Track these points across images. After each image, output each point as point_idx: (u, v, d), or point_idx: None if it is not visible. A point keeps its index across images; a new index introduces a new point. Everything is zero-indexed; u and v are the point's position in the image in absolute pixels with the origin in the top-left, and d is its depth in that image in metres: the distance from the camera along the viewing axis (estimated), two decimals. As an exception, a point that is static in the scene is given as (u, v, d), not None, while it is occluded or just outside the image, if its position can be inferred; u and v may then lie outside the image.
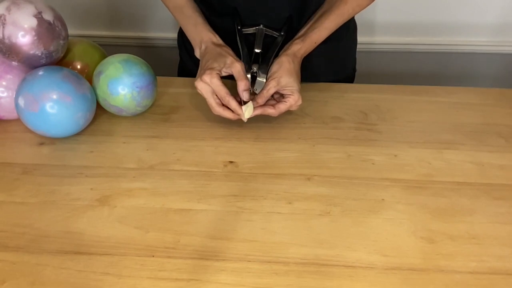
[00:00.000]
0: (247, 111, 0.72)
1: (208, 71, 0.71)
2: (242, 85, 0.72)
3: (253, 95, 0.75)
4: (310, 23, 0.80)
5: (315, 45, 0.79)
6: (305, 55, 0.78)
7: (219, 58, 0.74)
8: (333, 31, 0.80)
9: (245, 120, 0.73)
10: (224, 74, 0.73)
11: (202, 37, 0.79)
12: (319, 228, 0.62)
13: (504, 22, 1.44)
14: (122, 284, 0.54)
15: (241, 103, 0.73)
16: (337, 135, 0.78)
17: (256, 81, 0.75)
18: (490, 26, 1.44)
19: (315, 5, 0.82)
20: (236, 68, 0.72)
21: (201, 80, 0.71)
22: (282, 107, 0.73)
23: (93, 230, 0.61)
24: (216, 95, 0.72)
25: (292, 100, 0.73)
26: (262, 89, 0.74)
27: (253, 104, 0.73)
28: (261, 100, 0.73)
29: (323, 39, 0.80)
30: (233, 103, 0.71)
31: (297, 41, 0.77)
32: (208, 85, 0.71)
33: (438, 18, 1.43)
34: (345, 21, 0.81)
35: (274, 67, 0.74)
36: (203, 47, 0.79)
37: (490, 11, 1.42)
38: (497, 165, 0.72)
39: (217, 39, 0.79)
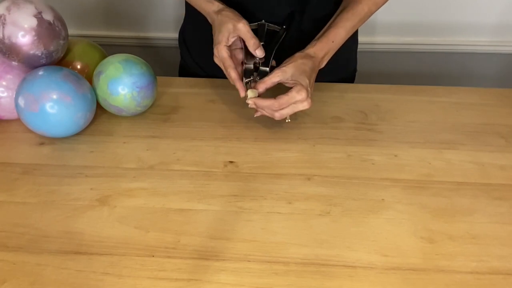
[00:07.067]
0: (250, 92, 0.71)
1: (215, 47, 0.74)
2: (251, 44, 0.72)
3: (255, 83, 0.73)
4: (327, 24, 0.79)
5: (333, 44, 0.77)
6: (325, 55, 0.76)
7: (222, 27, 0.74)
8: (351, 30, 0.79)
9: (247, 100, 0.71)
10: (232, 40, 0.73)
11: (206, 10, 0.80)
12: (319, 228, 0.62)
13: (504, 22, 1.44)
14: (122, 284, 0.55)
15: (242, 80, 0.73)
16: (337, 135, 0.77)
17: (259, 70, 0.75)
18: (490, 26, 1.44)
19: (317, 1, 0.82)
20: (240, 29, 0.72)
21: (215, 56, 0.74)
22: (284, 98, 0.68)
23: (93, 230, 0.61)
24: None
25: (295, 93, 0.68)
26: (266, 76, 0.72)
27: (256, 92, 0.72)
28: (262, 86, 0.71)
29: (342, 39, 0.78)
30: (233, 74, 0.72)
31: (312, 42, 0.76)
32: (219, 59, 0.74)
33: (438, 18, 1.43)
34: (363, 20, 0.80)
35: (286, 60, 0.73)
36: (210, 21, 0.80)
37: (490, 11, 1.42)
38: (497, 165, 0.72)
39: (216, 6, 0.78)
